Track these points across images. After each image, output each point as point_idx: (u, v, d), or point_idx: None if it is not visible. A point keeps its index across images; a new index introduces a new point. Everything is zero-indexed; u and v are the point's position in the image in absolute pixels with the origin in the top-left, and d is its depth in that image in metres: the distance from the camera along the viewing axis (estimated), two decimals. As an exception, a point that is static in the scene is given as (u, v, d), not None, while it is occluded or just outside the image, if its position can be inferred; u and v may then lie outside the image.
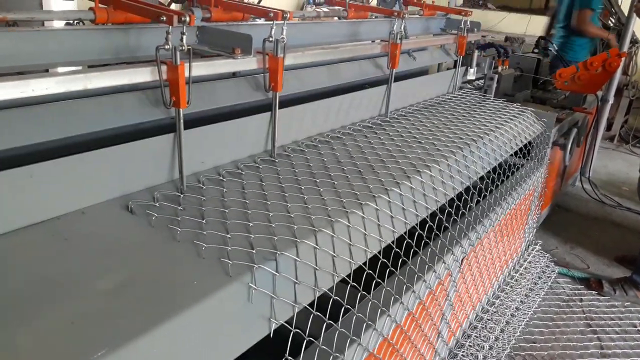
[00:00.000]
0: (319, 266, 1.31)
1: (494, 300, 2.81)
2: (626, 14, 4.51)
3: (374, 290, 1.53)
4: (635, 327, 3.00)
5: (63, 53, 1.43)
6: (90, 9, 1.46)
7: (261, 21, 2.00)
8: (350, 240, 1.44)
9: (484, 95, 3.18)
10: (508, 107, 3.01)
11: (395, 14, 2.21)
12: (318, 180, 1.68)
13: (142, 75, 1.34)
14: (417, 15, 2.99)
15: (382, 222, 1.57)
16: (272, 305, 1.19)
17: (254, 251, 1.23)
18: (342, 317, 1.39)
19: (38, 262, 1.13)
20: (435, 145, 2.15)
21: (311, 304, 1.27)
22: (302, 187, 1.61)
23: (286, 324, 1.21)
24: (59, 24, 1.81)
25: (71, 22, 1.85)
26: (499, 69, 3.43)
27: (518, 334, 2.79)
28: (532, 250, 3.44)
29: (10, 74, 1.19)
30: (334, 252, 1.37)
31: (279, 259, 1.23)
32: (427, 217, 1.78)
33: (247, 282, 1.15)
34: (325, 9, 2.47)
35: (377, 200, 1.61)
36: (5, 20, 1.31)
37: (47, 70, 1.41)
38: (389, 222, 1.61)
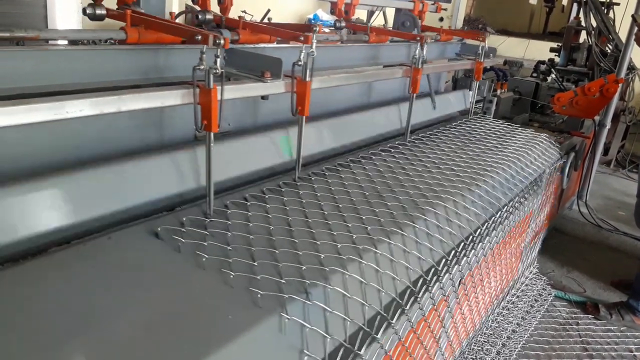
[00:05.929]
0: (351, 294, 1.27)
1: (491, 322, 2.77)
2: (623, 40, 4.51)
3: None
4: (632, 352, 2.95)
5: (90, 72, 1.40)
6: (122, 29, 1.44)
7: (274, 44, 1.97)
8: (380, 269, 1.41)
9: (495, 120, 3.17)
10: (524, 131, 2.99)
11: (418, 38, 2.21)
12: (340, 206, 1.66)
13: (174, 98, 1.31)
14: (433, 40, 3.00)
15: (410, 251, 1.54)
16: (303, 337, 1.16)
17: (283, 280, 1.20)
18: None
19: (63, 289, 1.10)
20: (461, 177, 2.11)
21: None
22: (325, 213, 1.59)
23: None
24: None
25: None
26: (498, 92, 3.44)
27: (514, 357, 2.74)
28: (529, 273, 3.41)
29: (37, 94, 1.17)
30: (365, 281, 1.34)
31: (309, 289, 1.20)
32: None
33: (279, 313, 1.12)
34: (344, 32, 2.46)
35: (404, 229, 1.59)
36: (37, 39, 1.29)
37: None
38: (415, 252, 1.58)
